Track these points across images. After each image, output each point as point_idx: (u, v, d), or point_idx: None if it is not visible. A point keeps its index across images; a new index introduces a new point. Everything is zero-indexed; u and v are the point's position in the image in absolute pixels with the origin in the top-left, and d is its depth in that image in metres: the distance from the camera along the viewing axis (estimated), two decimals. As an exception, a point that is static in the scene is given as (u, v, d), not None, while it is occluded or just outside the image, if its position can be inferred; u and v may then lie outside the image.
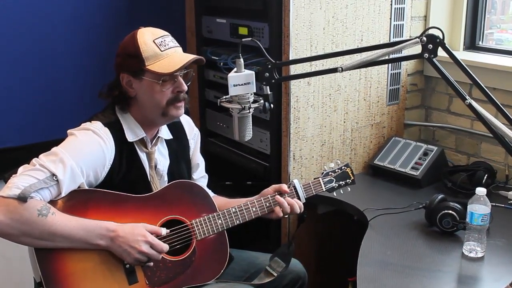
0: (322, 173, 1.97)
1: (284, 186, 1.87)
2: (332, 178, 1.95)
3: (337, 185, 1.95)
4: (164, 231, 1.69)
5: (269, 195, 1.86)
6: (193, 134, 2.00)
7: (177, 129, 1.94)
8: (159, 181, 1.85)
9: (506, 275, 1.68)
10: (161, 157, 1.87)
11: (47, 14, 2.65)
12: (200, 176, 2.05)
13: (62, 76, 2.76)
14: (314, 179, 1.95)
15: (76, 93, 2.79)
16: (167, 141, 1.90)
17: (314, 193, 1.92)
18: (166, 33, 1.77)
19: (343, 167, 1.98)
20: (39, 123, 2.72)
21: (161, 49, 1.71)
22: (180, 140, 1.95)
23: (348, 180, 1.97)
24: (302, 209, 1.88)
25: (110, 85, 1.78)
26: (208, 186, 2.06)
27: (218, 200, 1.95)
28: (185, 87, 1.77)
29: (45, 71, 2.70)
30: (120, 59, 1.76)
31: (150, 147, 1.83)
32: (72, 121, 1.77)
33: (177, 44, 1.77)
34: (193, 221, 1.77)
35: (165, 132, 1.89)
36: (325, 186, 1.94)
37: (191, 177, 2.01)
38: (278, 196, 1.84)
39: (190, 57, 1.73)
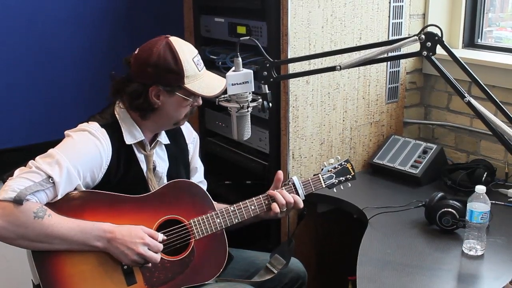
0: (322, 169, 1.96)
1: (279, 175, 1.88)
2: (332, 174, 1.94)
3: (337, 181, 1.94)
4: (160, 237, 1.68)
5: (267, 192, 1.85)
6: (191, 138, 2.00)
7: (175, 133, 1.93)
8: (158, 183, 1.84)
9: (506, 273, 1.67)
10: (160, 160, 1.86)
11: (45, 16, 2.66)
12: (198, 180, 2.03)
13: (61, 77, 2.76)
14: (314, 175, 1.94)
15: (75, 94, 2.79)
16: (166, 144, 1.89)
17: (313, 190, 1.91)
18: (196, 50, 1.78)
19: (343, 163, 1.97)
20: (39, 124, 2.72)
21: (199, 69, 1.73)
22: (179, 144, 1.95)
23: (348, 176, 1.96)
24: (302, 205, 1.86)
25: (134, 93, 1.71)
26: (207, 185, 2.05)
27: (219, 207, 1.93)
28: (201, 102, 1.80)
29: (44, 72, 2.70)
30: (155, 71, 1.68)
31: (149, 150, 1.82)
32: (71, 122, 1.76)
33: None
34: (191, 220, 1.76)
35: (163, 137, 1.88)
36: (325, 182, 1.93)
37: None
38: (270, 190, 1.84)
39: (223, 81, 1.75)
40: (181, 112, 1.77)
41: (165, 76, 1.69)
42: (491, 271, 1.74)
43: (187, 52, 1.71)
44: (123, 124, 1.76)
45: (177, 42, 1.72)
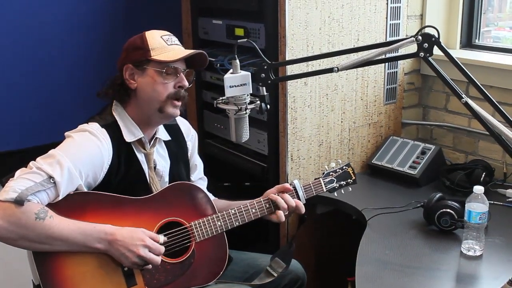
0: (323, 173, 1.95)
1: (287, 185, 1.87)
2: (333, 178, 1.94)
3: (338, 185, 1.94)
4: (162, 239, 1.69)
5: (269, 196, 1.85)
6: (190, 135, 2.01)
7: (174, 130, 1.94)
8: (159, 182, 1.85)
9: (504, 273, 1.67)
10: (160, 158, 1.87)
11: (44, 18, 2.66)
12: (198, 177, 2.05)
13: (61, 79, 2.76)
14: (315, 179, 1.93)
15: (74, 95, 2.79)
16: (166, 142, 1.90)
17: (314, 194, 1.91)
18: (171, 33, 1.84)
19: (344, 167, 1.96)
20: (38, 127, 2.72)
21: (167, 43, 1.77)
22: (179, 142, 1.96)
23: (349, 180, 1.95)
24: (303, 210, 1.86)
25: (112, 79, 1.81)
26: (206, 187, 2.06)
27: (219, 203, 1.94)
28: (187, 83, 1.80)
29: (42, 74, 2.70)
30: (125, 53, 1.80)
31: (149, 148, 1.83)
32: (70, 124, 1.76)
33: (181, 45, 1.83)
34: (192, 223, 1.76)
35: (162, 133, 1.89)
36: (326, 186, 1.93)
37: (190, 178, 2.01)
38: (271, 194, 1.83)
39: (194, 51, 1.79)
40: (158, 90, 1.75)
41: (133, 54, 1.77)
42: (490, 271, 1.75)
43: (155, 32, 1.80)
44: (122, 123, 1.77)
45: (151, 30, 1.80)
